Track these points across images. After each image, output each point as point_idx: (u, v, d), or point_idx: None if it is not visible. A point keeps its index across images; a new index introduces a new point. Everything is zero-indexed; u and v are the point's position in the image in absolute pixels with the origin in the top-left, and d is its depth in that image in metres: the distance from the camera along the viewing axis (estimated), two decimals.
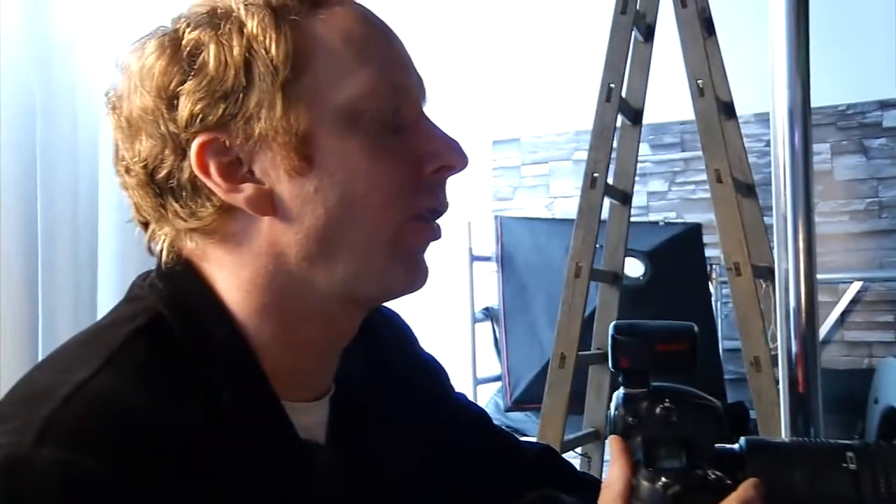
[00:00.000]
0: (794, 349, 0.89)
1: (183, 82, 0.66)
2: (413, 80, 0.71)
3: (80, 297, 1.73)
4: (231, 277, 0.70)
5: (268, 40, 0.66)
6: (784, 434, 0.91)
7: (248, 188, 0.67)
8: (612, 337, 0.74)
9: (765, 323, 2.53)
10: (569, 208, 3.80)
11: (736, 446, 0.75)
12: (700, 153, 2.22)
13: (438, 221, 0.72)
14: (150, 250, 0.72)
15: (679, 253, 3.15)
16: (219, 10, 0.67)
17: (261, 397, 0.68)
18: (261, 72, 0.65)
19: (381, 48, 0.69)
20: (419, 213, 0.69)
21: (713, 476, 0.69)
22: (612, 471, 0.71)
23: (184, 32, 0.66)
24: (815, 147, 3.36)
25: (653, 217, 3.74)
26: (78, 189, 1.72)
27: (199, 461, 0.62)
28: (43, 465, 0.58)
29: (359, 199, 0.67)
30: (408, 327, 0.86)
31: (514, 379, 3.16)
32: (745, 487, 0.68)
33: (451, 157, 0.70)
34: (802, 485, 0.71)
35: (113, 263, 1.73)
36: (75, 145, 1.71)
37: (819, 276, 2.91)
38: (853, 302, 3.33)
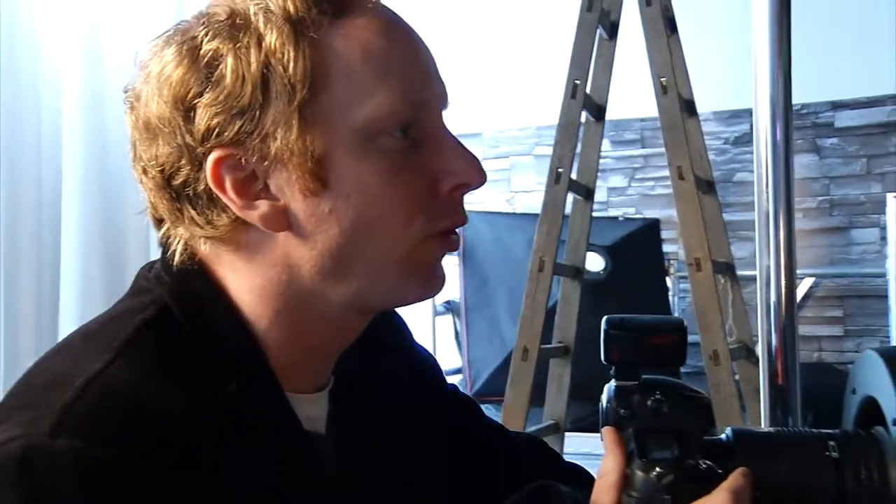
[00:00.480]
0: (774, 342, 0.91)
1: (200, 94, 0.65)
2: (434, 91, 0.70)
3: (41, 286, 1.72)
4: (243, 282, 0.70)
5: (286, 58, 0.64)
6: (764, 424, 0.93)
7: (262, 205, 0.67)
8: (605, 331, 0.76)
9: (723, 318, 2.58)
10: (530, 203, 3.83)
11: (722, 436, 0.77)
12: (659, 150, 2.26)
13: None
14: (163, 245, 0.73)
15: (637, 248, 3.19)
16: (238, 20, 0.65)
17: (266, 389, 0.69)
18: (278, 90, 0.64)
19: (401, 63, 0.68)
20: (437, 233, 0.69)
21: (704, 465, 0.71)
22: (607, 461, 0.72)
23: (202, 41, 0.65)
24: None
25: (612, 212, 3.78)
26: (41, 180, 1.70)
27: (209, 451, 0.63)
28: (59, 455, 0.58)
29: (374, 221, 0.67)
30: (402, 320, 0.87)
31: (474, 372, 3.17)
32: (735, 476, 0.70)
33: (470, 175, 0.69)
34: (788, 473, 0.73)
35: (76, 254, 1.71)
36: (39, 136, 1.69)
37: None
38: (805, 298, 3.40)
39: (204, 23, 0.66)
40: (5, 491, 0.57)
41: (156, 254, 0.76)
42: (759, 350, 0.92)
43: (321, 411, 0.73)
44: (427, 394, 0.86)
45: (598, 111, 2.53)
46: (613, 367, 0.76)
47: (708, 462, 0.72)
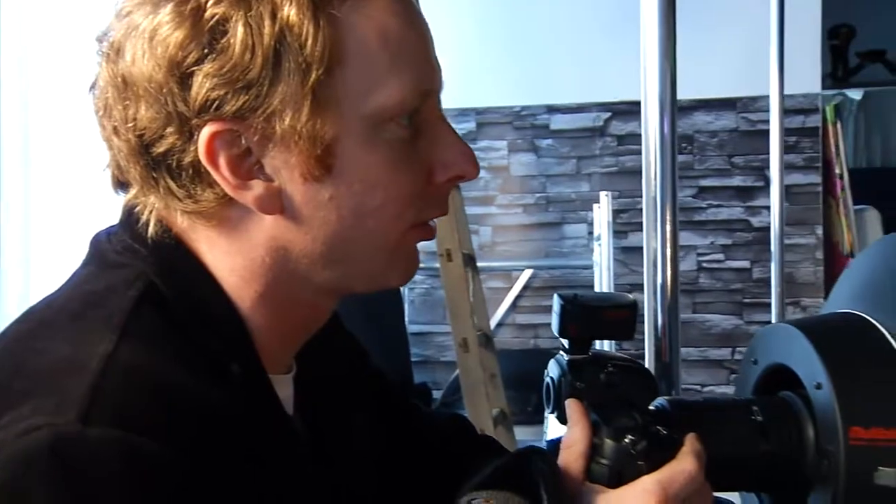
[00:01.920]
0: (660, 321, 0.97)
1: (200, 60, 0.59)
2: (438, 79, 0.68)
3: None
4: (224, 262, 0.66)
5: (304, 33, 0.60)
6: None
7: (257, 186, 0.63)
8: (561, 307, 0.78)
9: (471, 307, 2.70)
10: None
11: (653, 406, 0.81)
12: None
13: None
14: (128, 212, 0.65)
15: None
16: None
17: (257, 371, 0.66)
18: (290, 67, 0.60)
19: (414, 49, 0.66)
20: (424, 220, 0.69)
21: (664, 432, 0.75)
22: (574, 432, 0.74)
23: (206, 3, 0.59)
24: (494, 144, 3.64)
25: None
26: None
27: (229, 434, 0.60)
28: (95, 444, 0.53)
29: (373, 209, 0.65)
30: None
31: None
32: (692, 440, 0.74)
33: (466, 168, 0.69)
34: (721, 438, 0.79)
35: None
36: None
37: (495, 264, 3.17)
38: (524, 288, 3.63)
39: None
40: (35, 486, 0.50)
41: None
42: (646, 329, 0.98)
43: (289, 394, 0.72)
44: (365, 377, 0.86)
45: None
46: (568, 342, 0.79)
47: (663, 429, 0.76)
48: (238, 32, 0.59)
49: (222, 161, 0.62)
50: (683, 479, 0.70)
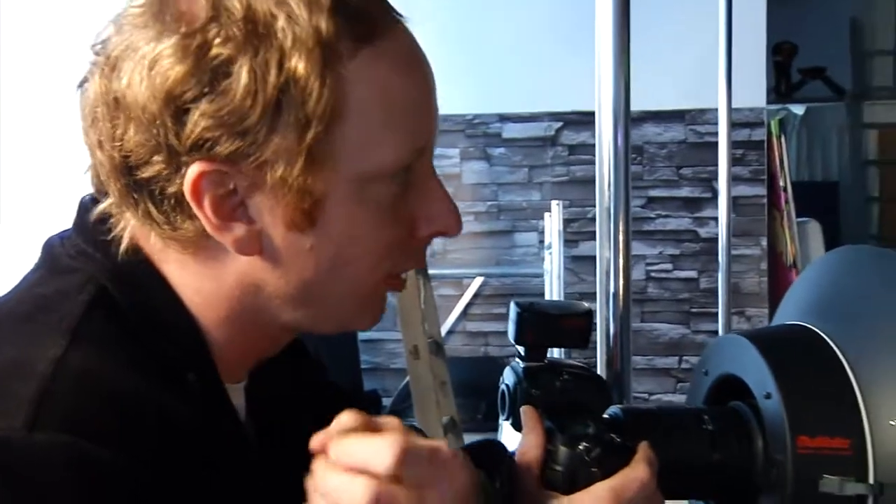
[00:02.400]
0: (612, 330, 0.98)
1: (199, 98, 0.58)
2: (434, 131, 0.67)
3: None
4: (192, 281, 0.65)
5: (308, 88, 0.59)
6: None
7: (238, 228, 0.62)
8: (518, 314, 0.79)
9: (423, 314, 2.70)
10: None
11: (607, 414, 0.83)
12: None
13: None
14: (84, 215, 0.64)
15: None
16: (259, 28, 0.58)
17: (213, 380, 0.66)
18: (290, 120, 0.59)
19: (414, 107, 0.65)
20: (399, 272, 0.69)
21: (618, 440, 0.76)
22: (528, 439, 0.75)
23: (212, 40, 0.58)
24: (447, 152, 3.65)
25: None
26: None
27: (182, 440, 0.60)
28: (43, 450, 0.53)
29: (351, 259, 0.65)
30: None
31: None
32: (644, 448, 0.76)
33: (449, 224, 0.68)
34: (673, 446, 0.81)
35: None
36: None
37: (446, 272, 3.17)
38: (475, 296, 3.64)
39: (214, 17, 0.58)
40: None
41: None
42: (598, 338, 0.99)
43: (242, 402, 0.72)
44: (315, 384, 0.86)
45: None
46: (523, 349, 0.79)
47: (616, 437, 0.77)
48: (242, 77, 0.58)
49: (207, 200, 0.61)
50: (636, 486, 0.72)
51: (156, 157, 0.60)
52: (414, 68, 0.66)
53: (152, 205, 0.62)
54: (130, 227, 0.65)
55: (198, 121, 0.59)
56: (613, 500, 0.70)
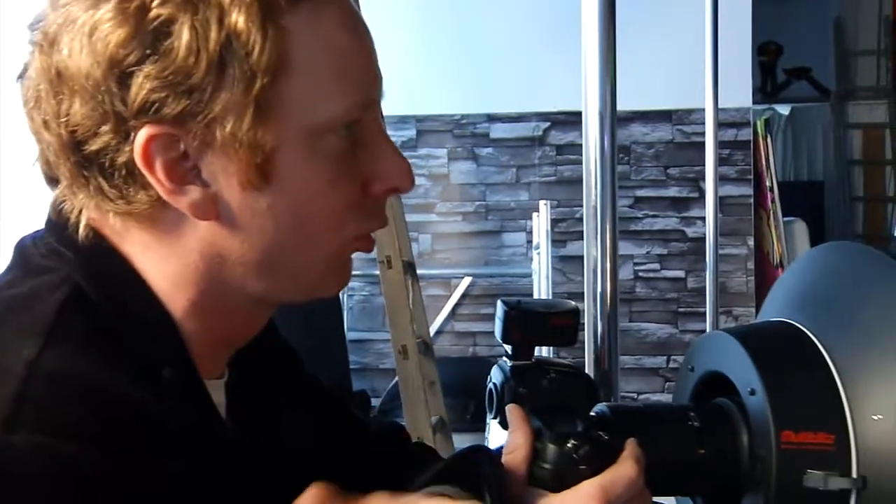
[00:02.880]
0: (600, 329, 0.99)
1: (142, 61, 0.58)
2: (379, 89, 0.68)
3: None
4: (156, 265, 0.65)
5: (250, 41, 0.59)
6: None
7: (193, 191, 0.62)
8: (505, 312, 0.79)
9: (411, 314, 2.70)
10: None
11: (594, 412, 0.83)
12: None
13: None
14: (56, 211, 0.64)
15: None
16: None
17: (190, 376, 0.66)
18: (235, 75, 0.59)
19: (359, 60, 0.66)
20: (362, 234, 0.69)
21: (606, 438, 0.77)
22: (515, 437, 0.75)
23: (151, 2, 0.58)
24: (435, 152, 3.65)
25: None
26: None
27: (159, 438, 0.60)
28: (21, 452, 0.53)
29: (311, 220, 0.65)
30: None
31: None
32: (632, 445, 0.76)
33: (402, 180, 0.69)
34: (660, 443, 0.81)
35: None
36: None
37: (434, 272, 3.17)
38: (463, 296, 3.65)
39: None
40: None
41: None
42: (586, 337, 0.99)
43: (222, 399, 0.71)
44: (299, 383, 0.86)
45: None
46: (511, 348, 0.80)
47: (604, 434, 0.78)
48: (183, 35, 0.58)
49: (158, 165, 0.61)
50: (624, 484, 0.72)
51: (103, 128, 0.60)
52: (354, 24, 0.66)
53: (103, 179, 0.62)
54: (87, 211, 0.64)
55: (142, 83, 0.58)
56: (602, 498, 0.70)
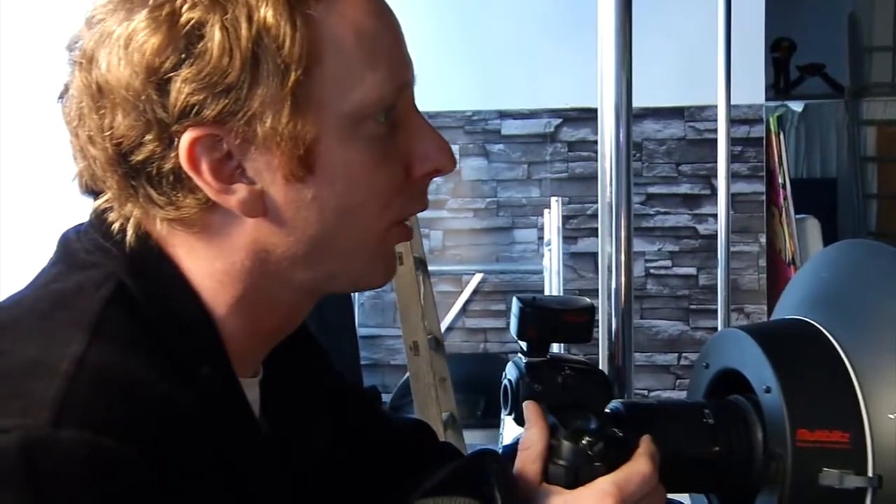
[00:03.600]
0: (614, 326, 0.99)
1: (178, 66, 0.59)
2: (411, 73, 0.69)
3: None
4: (202, 266, 0.66)
5: (281, 34, 0.60)
6: None
7: (240, 190, 0.63)
8: (520, 309, 0.79)
9: (422, 310, 2.70)
10: None
11: (608, 409, 0.83)
12: None
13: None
14: (101, 219, 0.65)
15: None
16: None
17: (227, 374, 0.66)
18: (269, 69, 0.60)
19: (389, 44, 0.66)
20: (405, 217, 0.69)
21: (620, 434, 0.77)
22: (531, 433, 0.75)
23: (181, 7, 0.59)
24: None
25: None
26: None
27: (200, 436, 0.61)
28: (67, 447, 0.53)
29: (356, 207, 0.65)
30: None
31: None
32: (647, 442, 0.76)
33: (443, 161, 0.69)
34: (674, 440, 0.81)
35: None
36: None
37: (445, 268, 3.18)
38: (474, 293, 3.65)
39: None
40: (2, 488, 0.50)
41: None
42: (600, 333, 0.99)
43: (256, 397, 0.72)
44: (329, 380, 0.87)
45: None
46: (526, 345, 0.80)
47: (618, 431, 0.78)
48: (215, 36, 0.59)
49: (204, 166, 0.62)
50: (639, 481, 0.72)
51: (147, 137, 0.61)
52: (380, 8, 0.67)
53: (151, 188, 0.63)
54: (133, 219, 0.65)
55: (181, 88, 0.60)
56: (616, 495, 0.70)
